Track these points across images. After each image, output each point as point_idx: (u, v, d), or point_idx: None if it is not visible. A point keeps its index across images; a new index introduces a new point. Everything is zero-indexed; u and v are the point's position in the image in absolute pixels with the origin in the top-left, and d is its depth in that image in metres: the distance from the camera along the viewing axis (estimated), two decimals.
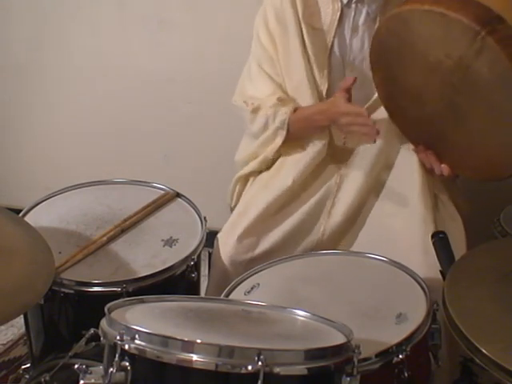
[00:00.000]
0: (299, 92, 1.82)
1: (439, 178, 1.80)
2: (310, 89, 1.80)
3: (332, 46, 1.81)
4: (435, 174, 1.74)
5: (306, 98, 1.81)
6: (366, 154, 1.80)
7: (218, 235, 1.78)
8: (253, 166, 1.92)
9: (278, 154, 1.87)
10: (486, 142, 1.58)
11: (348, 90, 1.72)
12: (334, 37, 1.80)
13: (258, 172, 1.93)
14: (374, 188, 1.80)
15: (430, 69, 1.56)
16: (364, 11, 1.78)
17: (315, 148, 1.81)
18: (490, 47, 1.40)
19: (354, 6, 1.78)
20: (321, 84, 1.82)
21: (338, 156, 1.86)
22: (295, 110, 1.79)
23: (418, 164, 1.77)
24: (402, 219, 1.73)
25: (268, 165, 1.91)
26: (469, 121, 1.57)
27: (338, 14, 1.79)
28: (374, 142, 1.69)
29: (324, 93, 1.82)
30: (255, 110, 1.83)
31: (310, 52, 1.80)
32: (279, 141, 1.82)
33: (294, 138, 1.82)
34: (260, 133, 1.85)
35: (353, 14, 1.79)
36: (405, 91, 1.67)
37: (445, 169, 1.69)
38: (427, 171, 1.77)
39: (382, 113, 1.79)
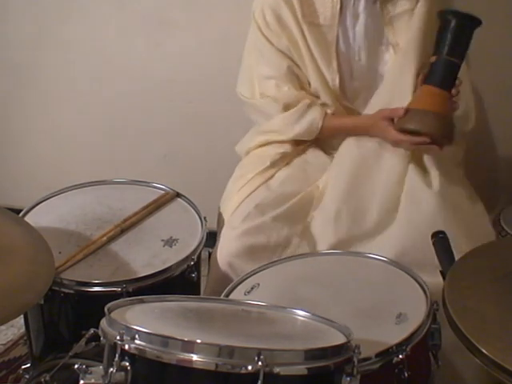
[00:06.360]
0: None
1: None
2: (320, 85, 1.83)
3: (338, 39, 1.81)
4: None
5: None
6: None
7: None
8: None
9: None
10: None
11: (393, 119, 1.75)
12: (337, 30, 1.80)
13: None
14: None
15: None
16: None
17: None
18: None
19: None
20: (331, 80, 1.82)
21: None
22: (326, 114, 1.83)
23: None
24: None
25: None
26: None
27: (338, 6, 1.79)
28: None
29: (337, 87, 1.83)
30: (286, 107, 1.84)
31: (313, 49, 1.81)
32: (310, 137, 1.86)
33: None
34: (289, 131, 1.86)
35: (352, 2, 1.80)
36: None
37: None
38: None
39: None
